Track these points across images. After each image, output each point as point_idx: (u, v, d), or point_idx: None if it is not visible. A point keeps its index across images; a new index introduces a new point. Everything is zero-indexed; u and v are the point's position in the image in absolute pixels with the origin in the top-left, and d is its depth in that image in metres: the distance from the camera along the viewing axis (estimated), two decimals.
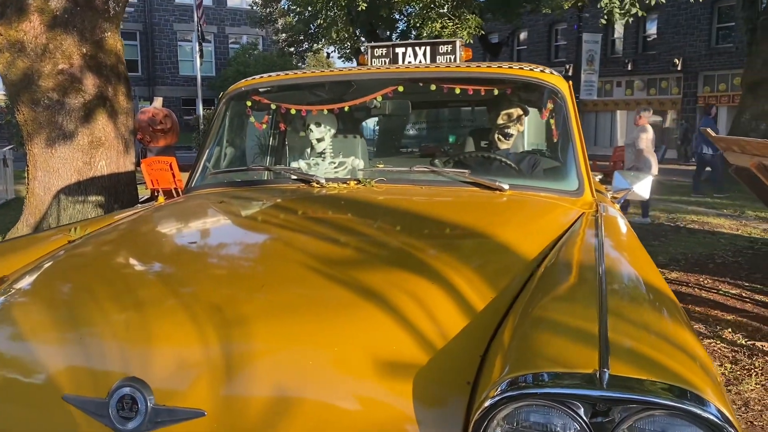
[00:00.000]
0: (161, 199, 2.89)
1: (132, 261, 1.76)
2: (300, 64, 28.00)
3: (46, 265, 1.78)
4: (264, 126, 3.31)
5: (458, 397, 1.21)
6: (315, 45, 24.25)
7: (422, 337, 1.30)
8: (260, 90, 3.06)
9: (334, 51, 23.20)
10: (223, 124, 3.13)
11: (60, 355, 1.36)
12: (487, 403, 1.08)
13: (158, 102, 12.24)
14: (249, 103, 3.04)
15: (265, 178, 3.00)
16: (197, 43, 20.33)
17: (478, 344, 1.31)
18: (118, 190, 6.83)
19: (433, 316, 1.36)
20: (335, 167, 3.09)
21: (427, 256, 1.66)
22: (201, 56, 20.67)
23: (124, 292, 1.48)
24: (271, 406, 1.22)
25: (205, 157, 3.02)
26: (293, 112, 3.02)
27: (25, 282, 1.69)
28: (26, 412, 1.34)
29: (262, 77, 3.12)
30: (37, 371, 1.36)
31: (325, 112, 2.98)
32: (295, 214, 2.19)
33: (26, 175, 6.84)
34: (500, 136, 2.99)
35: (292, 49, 25.16)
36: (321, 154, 3.14)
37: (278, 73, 3.18)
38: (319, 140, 3.14)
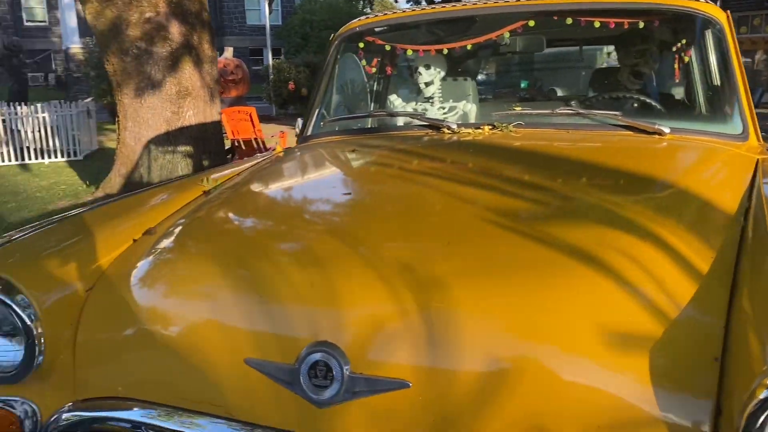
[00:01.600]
0: (279, 148, 2.78)
1: (292, 215, 1.62)
2: (366, 10, 27.48)
3: (199, 219, 1.66)
4: (374, 69, 3.14)
5: (705, 377, 1.03)
6: None
7: (652, 305, 1.11)
8: (376, 30, 2.87)
9: None
10: (335, 68, 2.96)
11: (239, 317, 1.24)
12: (762, 395, 0.90)
13: (229, 52, 12.26)
14: (362, 45, 2.87)
15: (377, 125, 2.84)
16: None
17: (717, 313, 1.11)
18: (205, 140, 6.82)
19: (657, 280, 1.16)
20: (444, 112, 2.91)
21: (620, 210, 1.44)
22: (270, 5, 20.44)
23: (296, 249, 1.35)
24: (484, 380, 1.07)
25: (320, 103, 2.87)
26: (410, 53, 2.83)
27: (183, 237, 1.56)
28: (204, 374, 1.24)
29: (377, 16, 2.93)
30: (214, 333, 1.25)
31: (445, 51, 2.78)
32: (444, 162, 1.99)
33: (117, 125, 6.91)
34: (636, 75, 2.71)
35: None
36: (429, 98, 2.95)
37: (394, 10, 2.99)
38: (427, 84, 2.95)
